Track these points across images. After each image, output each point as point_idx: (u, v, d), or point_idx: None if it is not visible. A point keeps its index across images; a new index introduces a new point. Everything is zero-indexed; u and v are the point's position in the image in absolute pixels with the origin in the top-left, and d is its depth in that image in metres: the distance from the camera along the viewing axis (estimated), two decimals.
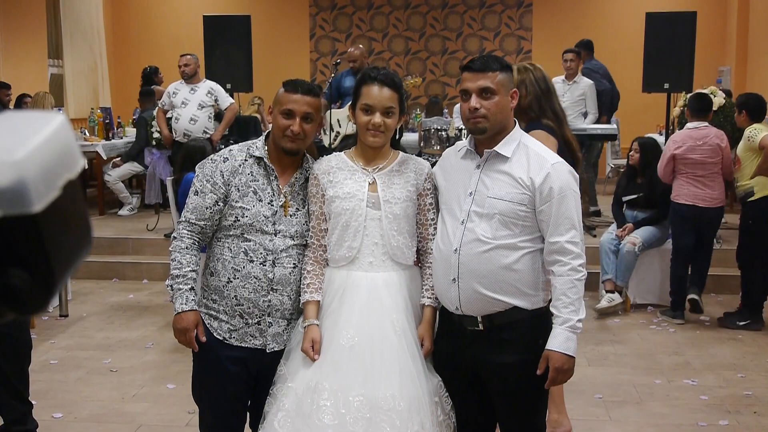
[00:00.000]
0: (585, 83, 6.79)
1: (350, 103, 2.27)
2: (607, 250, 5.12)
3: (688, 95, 5.59)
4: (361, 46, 6.89)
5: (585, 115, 6.80)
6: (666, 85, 6.13)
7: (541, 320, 2.09)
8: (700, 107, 5.03)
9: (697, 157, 4.87)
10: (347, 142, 6.14)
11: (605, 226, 5.75)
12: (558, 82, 6.96)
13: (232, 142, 5.57)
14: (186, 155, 4.39)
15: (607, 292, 5.06)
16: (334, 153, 2.30)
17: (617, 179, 5.90)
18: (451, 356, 2.15)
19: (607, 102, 7.06)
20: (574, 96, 6.80)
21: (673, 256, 5.00)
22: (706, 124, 5.00)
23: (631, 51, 8.35)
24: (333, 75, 6.62)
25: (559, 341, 2.02)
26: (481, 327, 2.10)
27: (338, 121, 6.44)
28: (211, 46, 6.81)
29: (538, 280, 2.09)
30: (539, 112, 2.95)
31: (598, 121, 6.86)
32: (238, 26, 6.81)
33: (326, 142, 6.35)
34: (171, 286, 2.22)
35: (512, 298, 2.07)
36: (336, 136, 6.46)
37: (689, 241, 4.93)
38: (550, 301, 2.07)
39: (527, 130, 2.97)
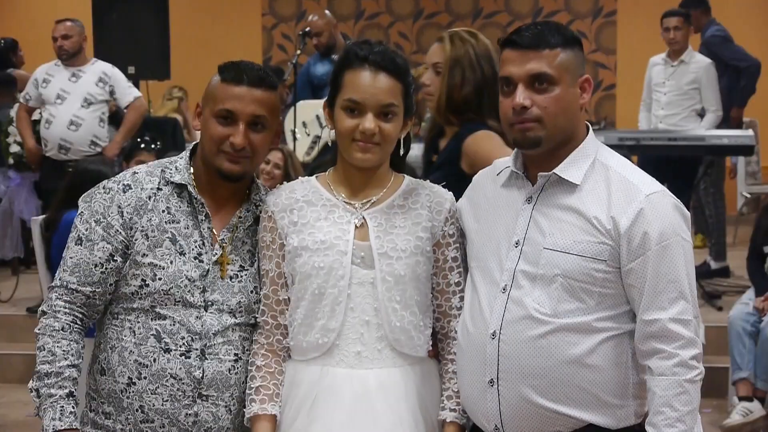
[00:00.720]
0: (698, 63, 6.82)
1: (327, 98, 2.29)
2: (740, 332, 5.11)
3: None
4: (327, 12, 6.98)
5: (701, 113, 6.83)
6: None
7: None
8: None
9: None
10: (324, 158, 6.12)
11: (737, 294, 5.75)
12: (658, 62, 7.03)
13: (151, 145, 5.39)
14: (73, 185, 4.38)
15: (740, 399, 5.04)
16: (300, 178, 2.32)
17: (756, 217, 5.92)
18: None
19: (750, 87, 7.04)
20: (682, 84, 6.83)
21: None
22: None
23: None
24: (299, 52, 6.67)
25: None
26: None
27: (318, 117, 6.41)
28: (104, 7, 6.87)
29: (626, 382, 2.10)
30: (478, 108, 3.01)
31: (726, 120, 6.85)
32: None
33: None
34: (37, 390, 2.21)
35: (586, 412, 2.08)
36: (313, 145, 6.42)
37: None
38: (647, 415, 2.08)
39: (463, 134, 3.00)
